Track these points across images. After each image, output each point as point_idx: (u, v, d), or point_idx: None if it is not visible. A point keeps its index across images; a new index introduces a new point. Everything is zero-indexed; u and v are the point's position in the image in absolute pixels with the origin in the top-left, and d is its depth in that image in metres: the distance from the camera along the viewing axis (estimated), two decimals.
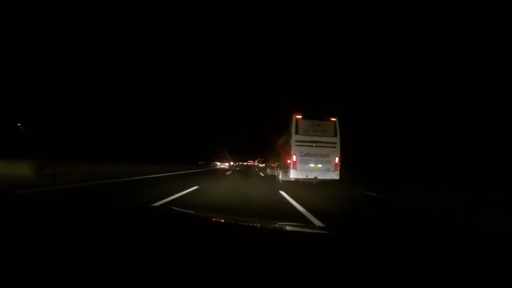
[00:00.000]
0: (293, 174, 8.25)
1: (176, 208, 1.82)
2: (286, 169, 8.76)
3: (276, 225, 1.26)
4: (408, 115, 17.47)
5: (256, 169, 29.27)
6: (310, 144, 8.37)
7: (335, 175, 8.48)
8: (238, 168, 31.15)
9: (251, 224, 1.28)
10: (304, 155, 8.30)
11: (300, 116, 8.55)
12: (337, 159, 8.51)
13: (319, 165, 8.39)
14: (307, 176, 8.24)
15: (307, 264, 0.68)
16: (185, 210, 1.52)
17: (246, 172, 21.64)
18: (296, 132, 8.40)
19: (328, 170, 8.41)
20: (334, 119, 8.73)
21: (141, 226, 1.00)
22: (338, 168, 8.51)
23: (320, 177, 8.33)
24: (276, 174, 11.41)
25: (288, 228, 1.23)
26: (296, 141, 8.35)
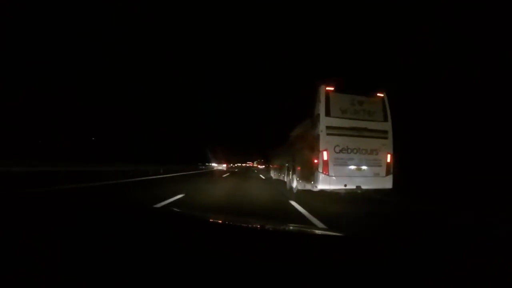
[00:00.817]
0: (323, 182, 5.11)
1: (176, 209, 1.82)
2: (308, 173, 5.64)
3: (276, 226, 1.26)
4: (408, 115, 17.47)
5: (256, 171, 27.40)
6: (349, 132, 5.34)
7: (386, 183, 5.48)
8: (236, 170, 30.66)
9: (250, 225, 1.28)
10: (340, 151, 5.25)
11: (332, 89, 5.41)
12: (389, 158, 5.50)
13: (364, 167, 5.36)
14: (345, 185, 5.16)
15: (307, 265, 0.68)
16: (185, 211, 1.52)
17: (244, 174, 20.34)
18: (328, 113, 5.27)
19: (376, 174, 5.42)
20: (382, 95, 5.71)
21: (141, 226, 1.00)
22: (391, 172, 5.50)
23: (365, 186, 5.31)
24: (286, 179, 8.08)
25: (288, 229, 1.23)
26: (328, 127, 5.22)
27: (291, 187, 7.01)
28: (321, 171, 5.11)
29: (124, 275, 0.62)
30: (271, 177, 12.59)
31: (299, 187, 6.34)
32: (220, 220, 1.36)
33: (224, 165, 36.22)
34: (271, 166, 14.66)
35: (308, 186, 5.67)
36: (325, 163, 5.13)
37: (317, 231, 1.14)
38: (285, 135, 8.89)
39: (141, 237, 0.85)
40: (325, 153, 5.17)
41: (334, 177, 5.14)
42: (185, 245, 0.80)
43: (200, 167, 29.17)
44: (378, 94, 5.74)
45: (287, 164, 8.09)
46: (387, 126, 5.64)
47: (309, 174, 5.57)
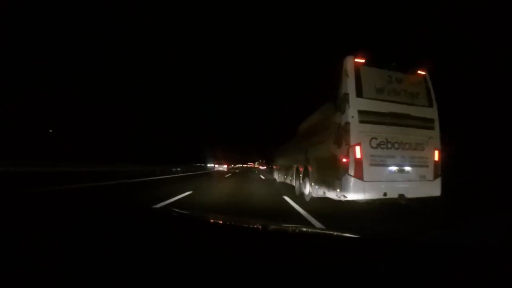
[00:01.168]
0: (355, 190, 3.71)
1: (176, 209, 1.82)
2: (330, 177, 4.18)
3: (275, 226, 1.26)
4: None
5: (256, 172, 25.95)
6: (389, 120, 3.98)
7: (434, 188, 4.10)
8: (237, 171, 30.38)
9: (250, 225, 1.28)
10: (378, 146, 3.88)
11: (363, 61, 4.06)
12: (436, 155, 4.18)
13: (408, 168, 4.02)
14: (385, 194, 3.78)
15: (307, 265, 0.68)
16: (184, 211, 1.53)
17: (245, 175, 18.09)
18: (359, 93, 3.93)
19: (422, 177, 4.08)
20: (424, 73, 4.42)
21: (141, 226, 1.00)
22: (439, 173, 4.18)
23: (410, 194, 3.90)
24: (294, 183, 6.69)
25: (288, 229, 1.23)
26: (362, 112, 3.87)
27: (302, 194, 5.61)
28: (352, 174, 3.66)
29: (124, 276, 0.62)
30: (275, 179, 10.80)
31: (314, 194, 4.92)
32: (220, 221, 1.36)
33: (225, 166, 35.91)
34: (274, 167, 12.91)
35: (330, 194, 4.18)
36: (358, 163, 3.70)
37: (318, 231, 1.13)
38: (292, 130, 7.35)
39: (141, 237, 0.85)
40: (357, 149, 3.72)
41: (370, 183, 3.71)
42: (185, 245, 0.80)
43: (174, 169, 17.67)
44: (420, 72, 4.41)
45: (295, 165, 6.63)
46: (433, 113, 4.30)
47: (331, 178, 4.07)
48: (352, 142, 3.74)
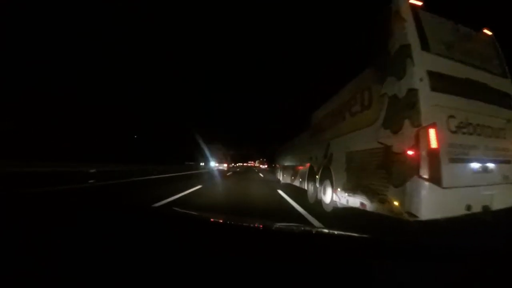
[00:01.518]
0: (431, 204, 2.10)
1: (175, 209, 1.82)
2: (378, 181, 2.60)
3: (275, 225, 1.26)
4: None
5: (263, 176, 25.14)
6: (466, 90, 2.54)
7: None
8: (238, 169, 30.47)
9: (251, 225, 1.28)
10: (458, 129, 2.37)
11: (421, 3, 2.60)
12: None
13: (491, 166, 2.51)
14: (468, 207, 2.25)
15: (305, 264, 0.68)
16: (184, 211, 1.52)
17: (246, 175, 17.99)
18: (425, 46, 2.44)
19: (505, 178, 2.62)
20: (490, 33, 3.18)
21: (141, 226, 0.99)
22: None
23: (495, 204, 2.40)
24: (307, 187, 5.34)
25: (287, 228, 1.22)
26: (432, 74, 2.35)
27: (320, 201, 4.30)
28: (425, 175, 2.15)
29: (124, 275, 0.62)
30: (279, 180, 9.58)
31: (340, 204, 3.51)
32: (220, 220, 1.36)
33: (225, 165, 35.95)
34: (277, 165, 11.36)
35: (374, 207, 2.70)
36: (435, 157, 2.19)
37: (318, 231, 1.13)
38: (302, 121, 5.90)
39: (141, 237, 0.85)
40: (432, 133, 2.20)
41: (450, 191, 2.24)
42: (185, 245, 0.80)
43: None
44: (485, 32, 3.16)
45: (308, 164, 5.27)
46: (510, 86, 3.04)
47: (379, 183, 2.62)
48: (423, 122, 2.23)
